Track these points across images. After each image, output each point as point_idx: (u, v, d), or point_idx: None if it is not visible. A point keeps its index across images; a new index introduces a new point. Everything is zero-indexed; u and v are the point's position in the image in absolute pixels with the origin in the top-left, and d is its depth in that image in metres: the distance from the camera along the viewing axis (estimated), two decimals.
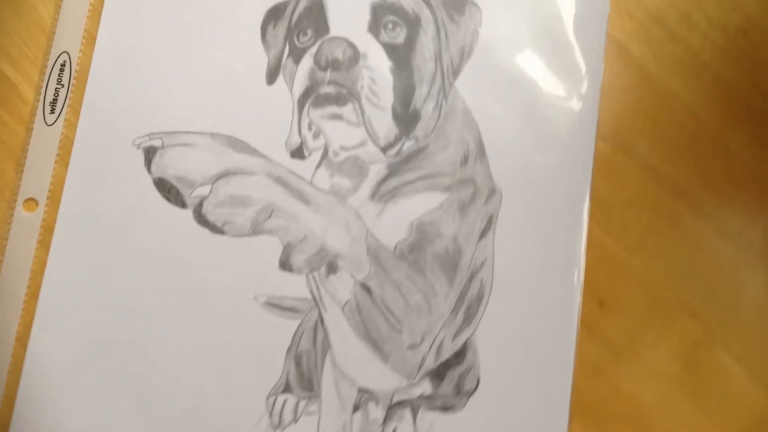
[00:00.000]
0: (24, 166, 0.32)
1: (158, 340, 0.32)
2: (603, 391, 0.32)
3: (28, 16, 0.33)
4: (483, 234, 0.33)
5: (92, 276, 0.32)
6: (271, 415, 0.31)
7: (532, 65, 0.34)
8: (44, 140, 0.33)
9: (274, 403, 0.31)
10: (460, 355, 0.32)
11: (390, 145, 0.33)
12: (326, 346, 0.32)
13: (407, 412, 0.32)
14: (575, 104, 0.34)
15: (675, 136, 0.34)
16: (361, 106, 0.33)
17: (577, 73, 0.34)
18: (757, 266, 0.33)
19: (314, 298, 0.32)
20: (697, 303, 0.33)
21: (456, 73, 0.34)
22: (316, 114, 0.33)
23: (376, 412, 0.32)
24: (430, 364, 0.32)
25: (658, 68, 0.35)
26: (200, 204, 0.32)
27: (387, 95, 0.33)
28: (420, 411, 0.32)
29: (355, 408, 0.32)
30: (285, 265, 0.32)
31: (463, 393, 0.32)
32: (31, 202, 0.32)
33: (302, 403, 0.32)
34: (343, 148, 0.33)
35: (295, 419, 0.31)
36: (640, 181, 0.34)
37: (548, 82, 0.34)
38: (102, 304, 0.32)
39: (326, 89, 0.33)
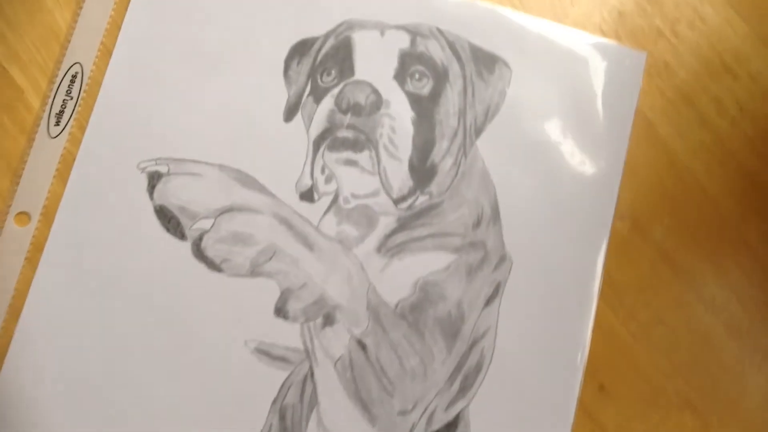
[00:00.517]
0: (21, 177, 0.31)
1: (140, 376, 0.31)
2: None
3: (43, 20, 0.33)
4: (489, 301, 0.32)
5: (78, 301, 0.31)
6: None
7: (557, 132, 0.34)
8: (45, 153, 0.32)
9: None
10: (451, 427, 0.31)
11: (403, 198, 0.33)
12: (314, 402, 0.31)
13: None
14: (596, 177, 0.34)
15: (693, 223, 0.34)
16: (377, 154, 0.32)
17: (601, 146, 0.34)
18: (762, 367, 0.32)
19: (306, 350, 0.31)
20: (699, 398, 0.32)
21: (479, 131, 0.34)
22: (330, 157, 0.32)
23: None
24: None
25: (683, 150, 0.34)
26: (200, 238, 0.31)
27: (405, 146, 0.33)
28: None
29: None
30: (280, 311, 0.31)
31: None
32: (23, 216, 0.31)
33: None
34: (355, 196, 0.33)
35: None
36: (654, 266, 0.33)
37: (571, 152, 0.34)
38: (85, 334, 0.31)
39: (344, 133, 0.32)
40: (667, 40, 0.35)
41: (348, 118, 0.32)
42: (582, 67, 0.34)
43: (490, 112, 0.34)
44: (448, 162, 0.33)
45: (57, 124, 0.32)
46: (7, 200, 0.31)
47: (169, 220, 0.32)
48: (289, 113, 0.33)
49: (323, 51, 0.34)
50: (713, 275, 0.33)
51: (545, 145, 0.34)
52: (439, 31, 0.34)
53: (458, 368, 0.32)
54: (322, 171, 0.33)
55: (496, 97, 0.34)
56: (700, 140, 0.35)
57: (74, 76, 0.32)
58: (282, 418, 0.31)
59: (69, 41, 0.32)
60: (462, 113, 0.34)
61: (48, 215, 0.31)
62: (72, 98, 0.32)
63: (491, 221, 0.33)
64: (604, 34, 0.35)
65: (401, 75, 0.33)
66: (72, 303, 0.31)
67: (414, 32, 0.34)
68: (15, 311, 0.31)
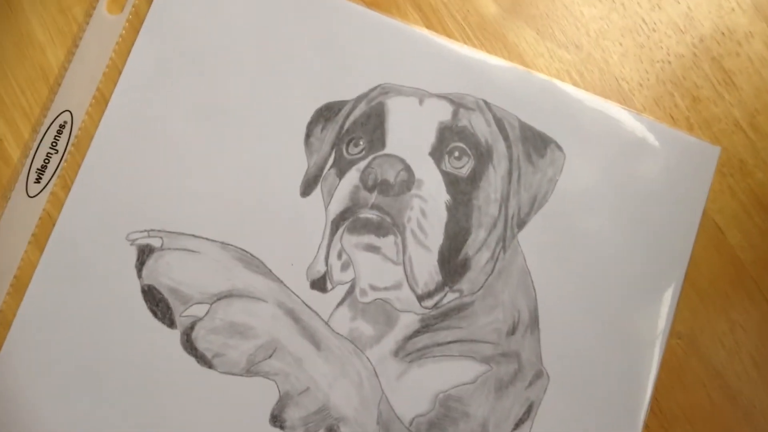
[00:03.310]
0: None
1: None
2: None
3: (33, 57, 0.31)
4: (518, 424, 0.31)
5: (48, 394, 0.29)
6: None
7: (611, 232, 0.32)
8: (21, 214, 0.30)
9: None
10: None
11: (429, 295, 0.31)
12: None
13: None
14: (652, 287, 0.32)
15: (761, 347, 0.32)
16: (404, 240, 0.30)
17: (661, 251, 0.32)
18: None
19: None
20: None
21: (522, 224, 0.32)
22: (350, 241, 0.31)
23: None
24: None
25: (753, 263, 0.33)
26: (192, 326, 0.30)
27: (437, 234, 0.31)
28: None
29: None
30: (277, 419, 0.30)
31: None
32: None
33: None
34: (373, 288, 0.31)
35: None
36: (710, 394, 0.32)
37: (626, 256, 0.32)
38: (55, 424, 0.29)
39: (367, 214, 0.30)
40: (744, 133, 0.33)
41: (373, 197, 0.30)
42: (645, 159, 0.33)
43: (537, 202, 0.32)
44: (484, 256, 0.31)
45: (37, 181, 0.30)
46: None
47: (157, 303, 0.30)
48: (307, 186, 0.32)
49: (352, 117, 0.32)
50: None
51: (596, 245, 0.32)
52: (486, 104, 0.32)
53: None
54: (339, 256, 0.31)
55: (545, 185, 0.32)
56: None
57: (62, 126, 0.30)
58: None
59: (60, 84, 0.31)
60: (504, 200, 0.32)
61: (18, 288, 0.30)
62: (57, 152, 0.30)
63: (528, 329, 0.31)
64: (674, 121, 0.33)
65: (438, 151, 0.31)
66: (41, 394, 0.29)
67: (457, 103, 0.32)
68: None
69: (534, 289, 0.32)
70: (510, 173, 0.32)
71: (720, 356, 0.32)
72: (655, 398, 0.32)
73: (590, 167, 0.33)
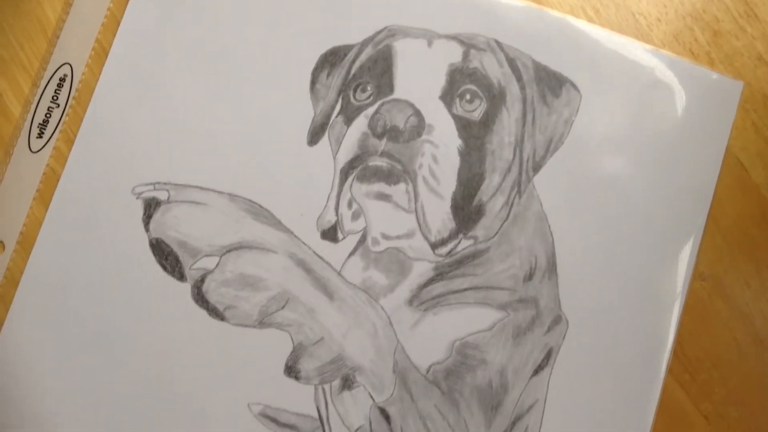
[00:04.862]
0: None
1: None
2: None
3: (30, 11, 0.32)
4: (537, 370, 0.31)
5: (59, 349, 0.31)
6: None
7: (630, 173, 0.32)
8: (24, 170, 0.31)
9: None
10: None
11: (442, 242, 0.31)
12: None
13: None
14: (674, 228, 0.32)
15: None
16: (415, 188, 0.31)
17: (682, 192, 0.33)
18: None
19: (320, 418, 0.31)
20: None
21: (537, 167, 0.32)
22: (360, 190, 0.31)
23: None
24: None
25: None
26: (202, 279, 0.30)
27: (449, 180, 0.31)
28: None
29: None
30: (291, 370, 0.30)
31: None
32: None
33: None
34: (385, 237, 0.31)
35: None
36: (735, 336, 0.32)
37: (646, 197, 0.32)
38: (66, 388, 0.30)
39: (377, 161, 0.31)
40: None
41: (383, 144, 0.31)
42: (665, 96, 0.33)
43: (553, 145, 0.32)
44: (499, 201, 0.32)
45: (40, 136, 0.31)
46: None
47: (166, 256, 0.30)
48: (315, 135, 0.32)
49: (358, 62, 0.32)
50: None
51: (615, 187, 0.32)
52: (498, 44, 0.32)
53: None
54: (349, 205, 0.31)
55: (561, 126, 0.32)
56: None
57: (62, 79, 0.31)
58: None
59: (58, 37, 0.31)
60: (519, 144, 0.32)
61: (25, 244, 0.31)
62: (58, 106, 0.31)
63: (546, 275, 0.32)
64: (694, 57, 0.33)
65: (449, 95, 0.32)
66: (51, 350, 0.31)
67: (468, 44, 0.32)
68: None
69: (551, 234, 0.32)
70: (524, 115, 0.33)
71: (746, 297, 0.33)
72: (678, 342, 0.32)
73: (607, 107, 0.33)
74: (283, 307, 0.31)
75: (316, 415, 0.31)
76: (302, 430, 0.31)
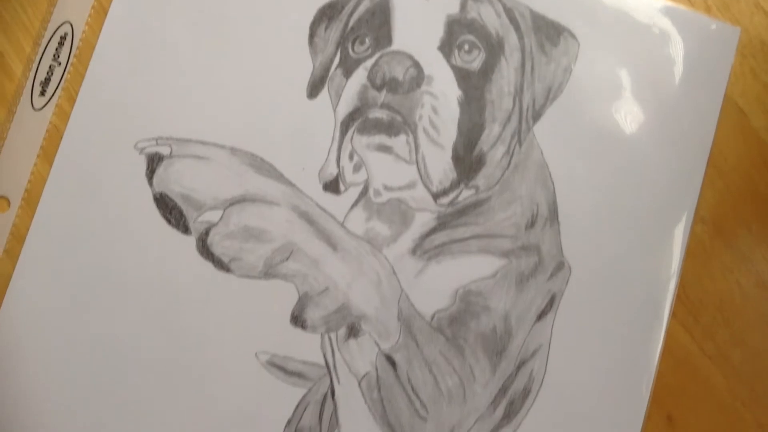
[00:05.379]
0: None
1: (135, 390, 0.31)
2: None
3: None
4: (541, 316, 0.32)
5: (65, 302, 0.31)
6: None
7: (629, 120, 0.33)
8: (28, 127, 0.32)
9: None
10: None
11: (444, 192, 0.32)
12: (334, 424, 0.31)
13: None
14: (674, 174, 0.33)
15: None
16: (416, 139, 0.31)
17: (682, 137, 0.33)
18: None
19: (327, 365, 0.31)
20: None
21: (537, 116, 0.33)
22: (360, 142, 0.32)
23: None
24: None
25: None
26: (206, 232, 0.31)
27: (449, 131, 0.32)
28: None
29: None
30: (297, 320, 0.31)
31: None
32: (1, 200, 0.32)
33: None
34: (387, 188, 0.32)
35: None
36: (738, 279, 0.33)
37: (645, 143, 0.33)
38: (73, 341, 0.31)
39: (377, 113, 0.32)
40: (765, 14, 0.34)
41: (382, 96, 0.31)
42: (662, 43, 0.33)
43: (552, 93, 0.33)
44: (499, 151, 0.32)
45: (42, 94, 0.31)
46: None
47: (170, 210, 0.31)
48: (314, 88, 0.33)
49: (356, 15, 0.33)
50: None
51: (615, 134, 0.33)
52: None
53: (503, 391, 0.31)
54: (351, 158, 0.32)
55: (560, 75, 0.33)
56: None
57: (63, 38, 0.31)
58: None
59: None
60: (518, 93, 0.33)
61: (30, 201, 0.31)
62: (60, 64, 0.32)
63: (547, 222, 0.32)
64: (691, 4, 0.34)
65: (447, 46, 0.32)
66: (57, 304, 0.31)
67: None
68: None
69: (552, 182, 0.33)
70: (523, 65, 0.33)
71: (748, 241, 0.33)
72: (681, 286, 0.33)
73: (605, 55, 0.34)
74: (287, 259, 0.32)
75: (323, 362, 0.31)
76: (310, 378, 0.32)
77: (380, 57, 0.32)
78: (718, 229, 0.33)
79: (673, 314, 0.33)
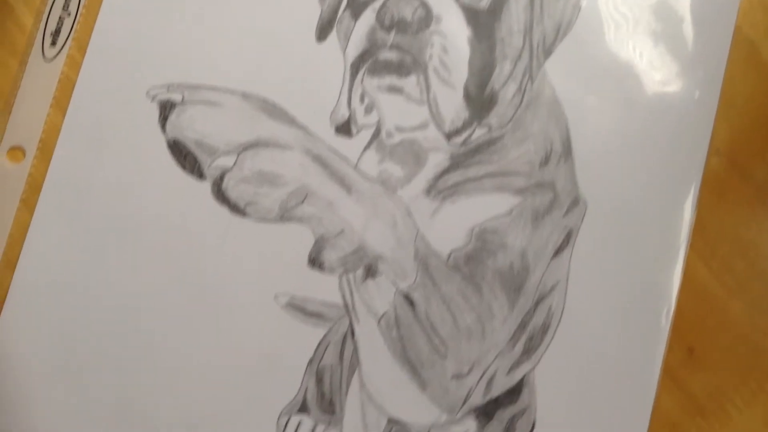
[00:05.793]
0: (13, 106, 0.32)
1: (153, 335, 0.31)
2: None
3: None
4: (558, 252, 0.32)
5: (82, 249, 0.32)
6: None
7: (641, 54, 0.33)
8: (40, 78, 0.32)
9: (287, 424, 0.31)
10: (514, 393, 0.31)
11: (456, 132, 0.32)
12: (354, 363, 0.31)
13: None
14: (687, 107, 0.33)
15: None
16: (426, 79, 0.32)
17: (693, 70, 0.33)
18: None
19: (346, 306, 0.32)
20: None
21: (548, 52, 0.33)
22: (371, 83, 0.32)
23: None
24: (478, 399, 0.31)
25: None
26: (221, 177, 0.31)
27: (460, 70, 0.32)
28: None
29: None
30: (315, 262, 0.31)
31: None
32: (17, 151, 0.32)
33: (320, 428, 0.31)
34: (399, 129, 0.32)
35: None
36: (754, 210, 0.33)
37: (657, 77, 0.33)
38: (90, 287, 0.32)
39: (387, 55, 0.32)
40: None
41: (392, 37, 0.32)
42: None
43: (562, 29, 0.33)
44: (511, 88, 0.33)
45: (53, 44, 0.32)
46: None
47: (184, 156, 0.31)
48: (322, 31, 0.33)
49: None
50: None
51: (626, 68, 0.33)
52: None
53: (522, 327, 0.32)
54: (362, 99, 0.32)
55: (569, 11, 0.33)
56: None
57: None
58: (319, 380, 0.31)
59: None
60: (528, 30, 0.33)
61: (45, 150, 0.32)
62: (69, 14, 0.32)
63: (562, 158, 0.33)
64: None
65: None
66: (75, 251, 0.32)
67: None
68: (10, 261, 0.31)
69: (565, 117, 0.33)
70: (531, 2, 0.33)
71: (763, 172, 0.33)
72: (697, 219, 0.33)
73: None
74: (302, 202, 0.32)
75: (341, 303, 0.32)
76: (329, 318, 0.32)
77: None
78: (733, 161, 0.34)
79: (691, 246, 0.33)
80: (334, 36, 0.33)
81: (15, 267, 0.31)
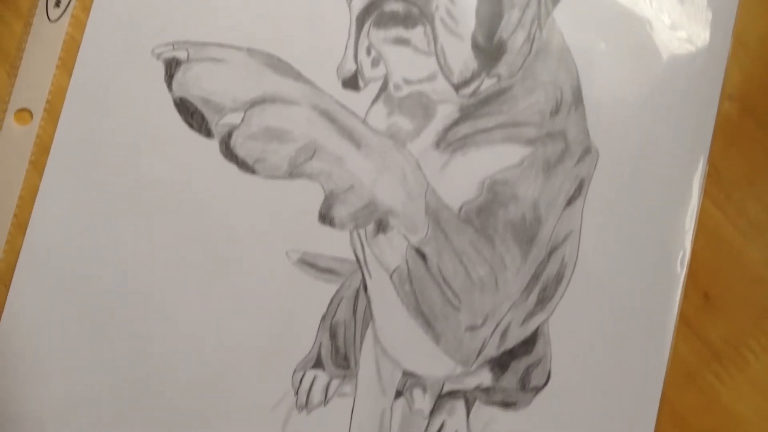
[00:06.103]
0: (18, 68, 0.32)
1: (166, 294, 0.32)
2: (698, 402, 0.32)
3: None
4: (570, 201, 0.32)
5: (92, 210, 0.32)
6: (296, 394, 0.31)
7: (650, 2, 0.33)
8: (45, 39, 0.32)
9: (302, 379, 0.31)
10: (528, 343, 0.32)
11: (465, 83, 0.32)
12: (368, 318, 0.32)
13: (459, 405, 0.32)
14: (699, 51, 0.33)
15: None
16: (433, 30, 0.32)
17: (704, 13, 0.33)
18: None
19: (358, 261, 0.32)
20: None
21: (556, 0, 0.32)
22: (377, 36, 0.32)
23: (422, 402, 0.32)
24: (492, 351, 0.31)
25: None
26: (229, 134, 0.31)
27: (467, 20, 0.32)
28: (475, 405, 0.32)
29: (398, 394, 0.32)
30: (325, 217, 0.31)
31: (528, 389, 0.31)
32: (24, 113, 0.32)
33: (335, 383, 0.31)
34: (407, 82, 0.32)
35: (325, 401, 0.31)
36: None
37: (668, 22, 0.33)
38: (102, 246, 0.32)
39: (393, 6, 0.32)
40: None
41: None
42: None
43: None
44: (520, 37, 0.32)
45: (57, 5, 0.32)
46: (4, 96, 0.32)
47: (191, 114, 0.31)
48: None
49: None
50: None
51: (636, 12, 0.33)
52: None
53: (535, 278, 0.32)
54: (368, 52, 0.32)
55: None
56: None
57: None
58: (333, 335, 0.31)
59: None
60: None
61: (52, 112, 0.32)
62: None
63: (572, 107, 0.32)
64: None
65: None
66: (85, 212, 0.32)
67: None
68: (21, 223, 0.31)
69: (575, 65, 0.33)
70: None
71: None
72: (711, 163, 0.33)
73: None
74: (311, 158, 0.32)
75: (353, 258, 0.32)
76: (341, 274, 0.32)
77: None
78: (746, 105, 0.33)
79: (705, 192, 0.33)
80: None
81: (26, 228, 0.31)
